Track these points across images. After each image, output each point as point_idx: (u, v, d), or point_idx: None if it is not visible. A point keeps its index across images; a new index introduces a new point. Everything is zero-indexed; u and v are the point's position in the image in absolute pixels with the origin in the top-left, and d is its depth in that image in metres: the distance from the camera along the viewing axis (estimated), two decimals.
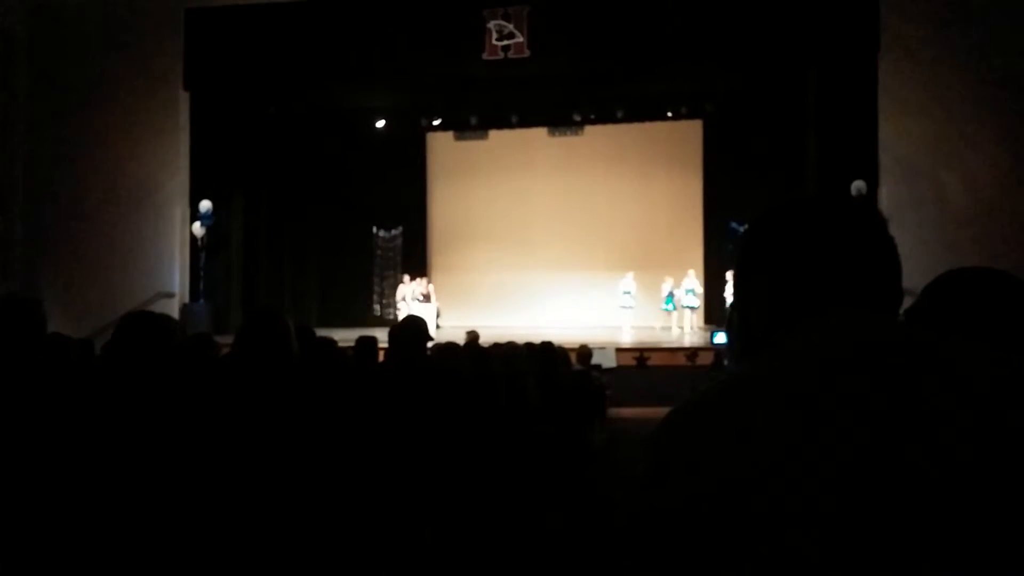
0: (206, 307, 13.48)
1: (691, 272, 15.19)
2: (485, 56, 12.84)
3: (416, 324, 3.62)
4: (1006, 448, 0.71)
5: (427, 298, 14.89)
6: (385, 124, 16.64)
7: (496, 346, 5.85)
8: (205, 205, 13.50)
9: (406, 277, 15.54)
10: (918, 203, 11.39)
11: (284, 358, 2.60)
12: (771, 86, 14.38)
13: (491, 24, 12.76)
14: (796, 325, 0.86)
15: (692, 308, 14.94)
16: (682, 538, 0.76)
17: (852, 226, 0.90)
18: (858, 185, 11.82)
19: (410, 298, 14.98)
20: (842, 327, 0.84)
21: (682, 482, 0.78)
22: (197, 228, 13.50)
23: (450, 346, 5.33)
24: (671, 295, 14.99)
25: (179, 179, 13.62)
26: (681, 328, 14.82)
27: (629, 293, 15.37)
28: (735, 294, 0.98)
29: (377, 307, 17.67)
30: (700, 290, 15.01)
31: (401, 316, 15.09)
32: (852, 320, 0.84)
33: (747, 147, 15.47)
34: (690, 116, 16.24)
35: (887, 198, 11.70)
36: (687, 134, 16.80)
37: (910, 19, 11.62)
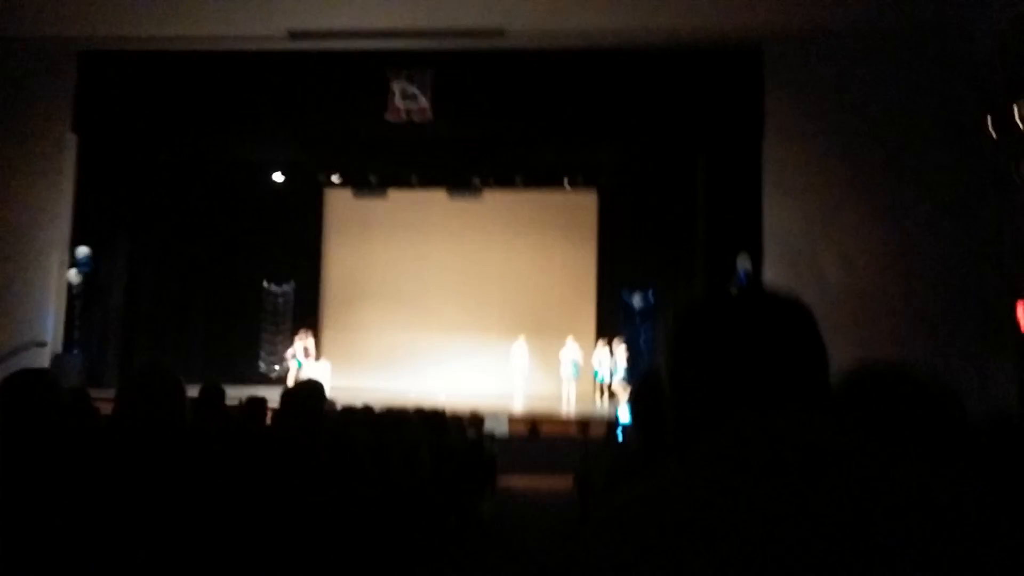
0: (79, 358, 12.74)
1: (569, 339, 15.29)
2: (388, 117, 12.90)
3: (314, 390, 3.52)
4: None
5: (306, 352, 14.63)
6: (283, 178, 16.40)
7: (388, 412, 5.73)
8: (82, 251, 12.88)
9: (301, 332, 15.21)
10: (799, 282, 11.97)
11: (174, 420, 2.46)
12: (663, 161, 15.00)
13: (395, 85, 12.85)
14: (723, 425, 0.87)
15: (573, 379, 15.01)
16: None
17: (779, 323, 0.92)
18: (743, 263, 12.34)
19: (300, 354, 14.64)
20: (767, 431, 0.85)
21: None
22: (73, 275, 12.83)
23: (345, 411, 5.19)
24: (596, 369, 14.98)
25: (59, 224, 12.97)
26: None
27: (521, 359, 15.41)
28: (669, 388, 0.98)
29: (263, 363, 17.11)
30: (581, 359, 15.12)
31: (290, 372, 14.70)
32: (777, 423, 0.85)
33: (640, 219, 16.02)
34: (585, 185, 16.71)
35: (770, 277, 12.25)
36: (582, 203, 17.24)
37: (791, 106, 12.37)
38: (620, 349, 15.15)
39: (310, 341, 15.02)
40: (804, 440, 0.83)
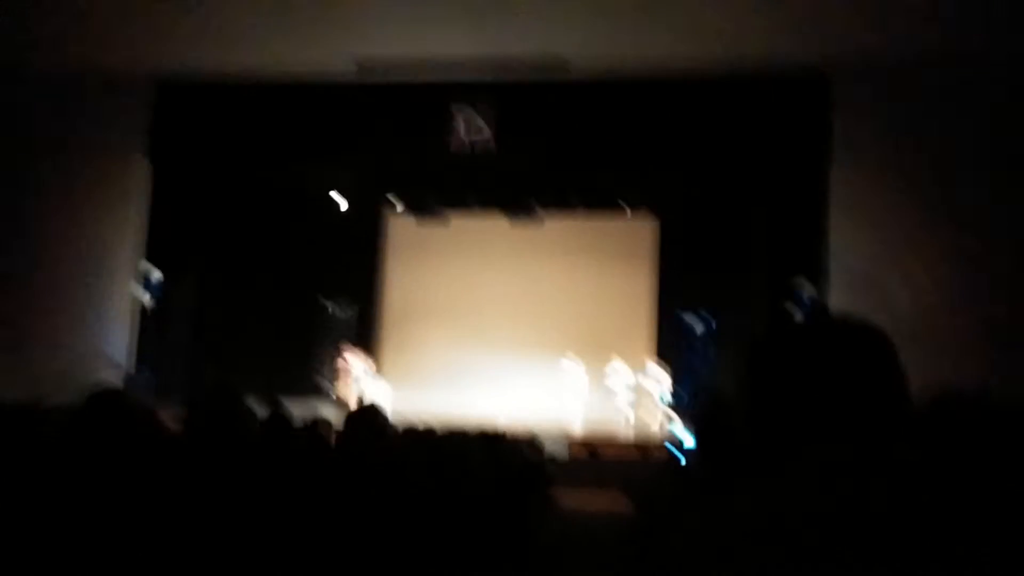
0: (150, 378, 13.15)
1: (622, 365, 15.22)
2: (452, 148, 13.10)
3: (377, 414, 3.59)
4: None
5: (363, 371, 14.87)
6: (348, 205, 16.76)
7: (450, 434, 5.79)
8: (155, 275, 13.34)
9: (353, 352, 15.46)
10: (865, 313, 11.68)
11: (241, 441, 2.55)
12: (726, 188, 14.87)
13: (459, 116, 13.06)
14: (798, 454, 0.87)
15: (631, 402, 14.91)
16: None
17: (857, 349, 0.92)
18: (800, 284, 12.12)
19: (359, 372, 14.88)
20: (848, 460, 0.84)
21: None
22: (146, 298, 13.30)
23: (408, 433, 5.27)
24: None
25: (133, 247, 13.47)
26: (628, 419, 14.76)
27: (580, 383, 15.36)
28: (745, 416, 0.99)
29: (325, 382, 17.39)
30: (634, 385, 15.03)
31: (349, 390, 14.92)
32: (858, 452, 0.85)
33: (700, 244, 15.89)
34: (645, 211, 16.66)
35: (835, 305, 12.01)
36: (641, 229, 17.17)
37: (863, 131, 12.16)
38: (665, 374, 15.04)
39: (362, 362, 15.25)
40: (883, 468, 0.83)
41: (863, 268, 12.05)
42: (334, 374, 15.44)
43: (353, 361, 15.32)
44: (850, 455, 0.84)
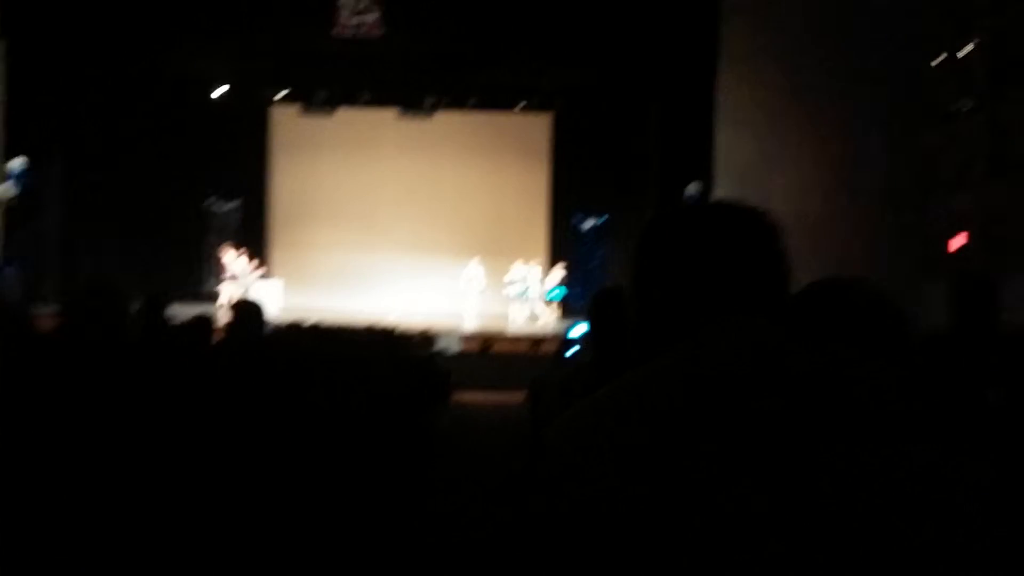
0: (17, 274, 12.39)
1: (519, 263, 15.44)
2: (335, 32, 12.50)
3: (251, 309, 3.50)
4: (909, 485, 0.74)
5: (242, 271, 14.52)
6: (227, 93, 15.87)
7: (340, 330, 5.73)
8: (17, 163, 12.37)
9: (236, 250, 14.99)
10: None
11: (118, 338, 2.43)
12: (618, 86, 14.89)
13: None
14: (693, 333, 0.86)
15: (522, 297, 15.20)
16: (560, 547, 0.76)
17: (745, 234, 0.92)
18: (693, 187, 12.46)
19: (241, 272, 14.48)
20: (739, 339, 0.84)
21: (570, 492, 0.77)
22: (7, 188, 12.36)
23: (292, 329, 5.18)
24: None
25: None
26: (535, 317, 15.03)
27: (474, 280, 15.47)
28: (635, 301, 0.97)
29: (208, 282, 16.85)
30: (531, 280, 15.29)
31: (228, 290, 14.52)
32: (747, 332, 0.85)
33: (593, 144, 15.97)
34: (540, 108, 16.53)
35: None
36: (536, 126, 17.09)
37: (747, 35, 12.34)
38: (556, 270, 15.41)
39: (242, 260, 14.85)
40: (762, 347, 0.83)
41: (746, 170, 12.43)
42: (216, 273, 14.94)
43: (234, 260, 14.84)
44: (727, 335, 0.85)
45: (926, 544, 0.73)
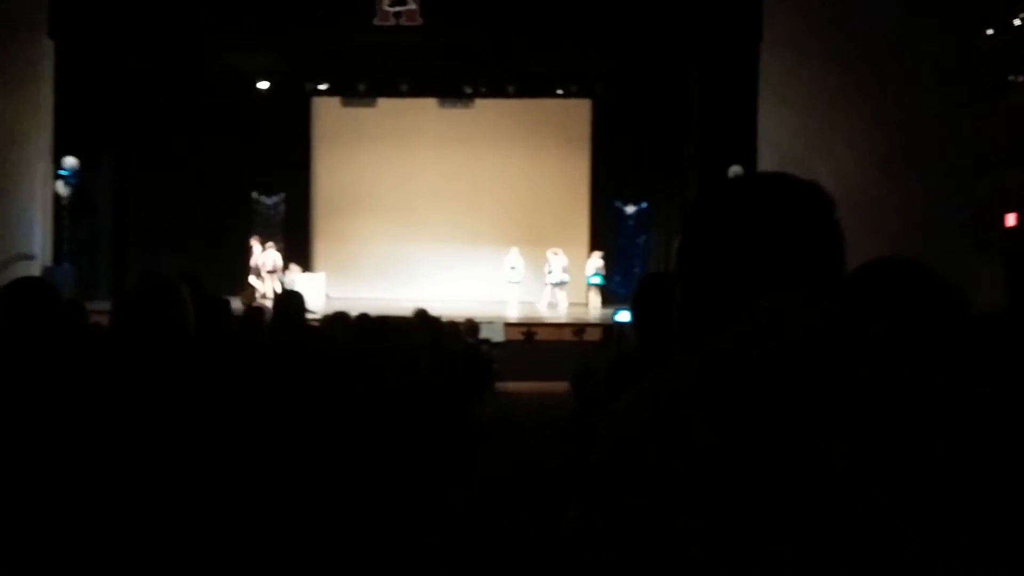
0: (71, 271, 12.72)
1: (559, 251, 15.44)
2: (376, 21, 12.56)
3: (293, 299, 3.56)
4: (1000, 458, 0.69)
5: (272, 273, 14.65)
6: (269, 86, 16.05)
7: (385, 319, 5.79)
8: (70, 162, 12.68)
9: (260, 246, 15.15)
10: None
11: (176, 333, 2.48)
12: (658, 70, 14.74)
13: None
14: (752, 309, 0.80)
15: (561, 285, 15.23)
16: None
17: (799, 206, 0.87)
18: (735, 170, 12.30)
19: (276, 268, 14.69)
20: (779, 317, 0.78)
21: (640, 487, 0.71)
22: (61, 186, 12.68)
23: (339, 318, 5.25)
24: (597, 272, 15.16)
25: (42, 134, 12.73)
26: (554, 304, 15.05)
27: (515, 268, 15.52)
28: (680, 274, 0.92)
29: (253, 275, 17.09)
30: (565, 268, 15.30)
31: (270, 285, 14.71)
32: (802, 308, 0.79)
33: (633, 129, 15.85)
34: (579, 95, 16.43)
35: None
36: (576, 113, 16.99)
37: (790, 12, 12.12)
38: (596, 257, 15.36)
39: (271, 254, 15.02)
40: (816, 325, 0.78)
41: (790, 149, 12.24)
42: (259, 266, 15.13)
43: (272, 254, 15.04)
44: (779, 312, 0.79)
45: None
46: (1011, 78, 11.00)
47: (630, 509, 0.71)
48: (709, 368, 0.77)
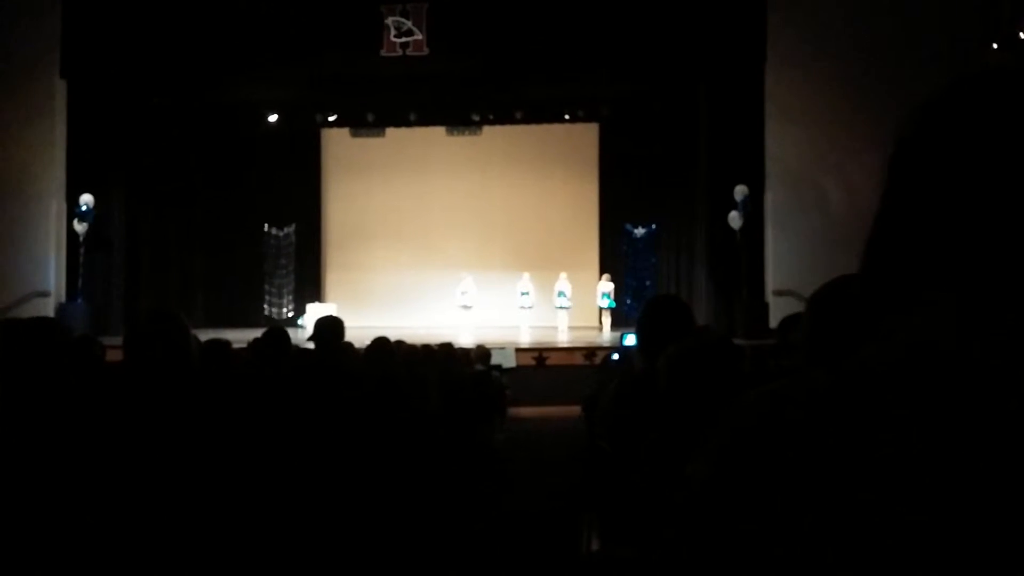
0: (85, 307, 12.79)
1: (562, 275, 15.53)
2: (383, 52, 12.69)
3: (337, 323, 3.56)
4: None
5: None
6: (278, 119, 16.20)
7: (397, 346, 5.79)
8: (86, 199, 12.80)
9: None
10: (801, 209, 11.92)
11: (183, 364, 2.49)
12: (664, 92, 14.78)
13: (389, 20, 12.61)
14: (892, 325, 0.57)
15: (565, 309, 15.28)
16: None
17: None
18: (741, 189, 12.26)
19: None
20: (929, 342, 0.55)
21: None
22: (77, 223, 12.78)
23: (350, 347, 5.25)
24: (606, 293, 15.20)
25: (54, 171, 12.88)
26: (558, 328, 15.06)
27: (527, 294, 15.54)
28: (882, 220, 0.62)
29: (267, 307, 17.16)
30: (570, 292, 15.39)
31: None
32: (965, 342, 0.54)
33: (641, 151, 15.89)
34: (586, 119, 16.49)
35: (772, 204, 12.19)
36: (583, 137, 17.06)
37: (794, 31, 12.15)
38: (605, 280, 15.39)
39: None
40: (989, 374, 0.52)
41: (798, 167, 12.21)
42: (278, 297, 15.19)
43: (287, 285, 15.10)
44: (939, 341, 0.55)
45: None
46: None
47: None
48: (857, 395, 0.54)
